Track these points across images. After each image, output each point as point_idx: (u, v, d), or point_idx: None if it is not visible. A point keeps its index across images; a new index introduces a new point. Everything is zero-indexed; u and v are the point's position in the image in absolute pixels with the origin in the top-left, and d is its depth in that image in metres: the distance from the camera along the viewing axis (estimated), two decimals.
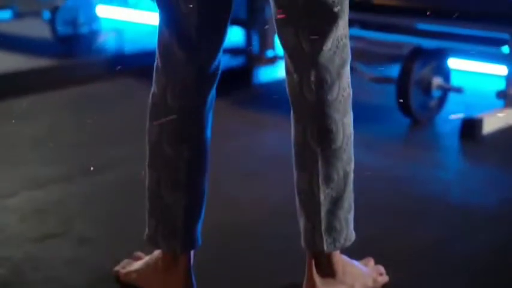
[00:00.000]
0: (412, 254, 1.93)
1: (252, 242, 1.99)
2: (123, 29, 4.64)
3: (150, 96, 1.62)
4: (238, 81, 3.63)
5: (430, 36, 3.37)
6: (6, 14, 5.02)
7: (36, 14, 4.66)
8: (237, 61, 3.81)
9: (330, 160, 1.55)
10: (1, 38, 4.29)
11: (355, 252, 1.68)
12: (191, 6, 1.52)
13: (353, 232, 1.63)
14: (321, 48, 1.51)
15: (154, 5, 1.58)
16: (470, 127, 2.84)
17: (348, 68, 1.57)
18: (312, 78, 1.52)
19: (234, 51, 3.84)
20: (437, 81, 3.04)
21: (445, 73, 3.09)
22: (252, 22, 3.83)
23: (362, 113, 3.00)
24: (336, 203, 1.58)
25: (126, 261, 1.78)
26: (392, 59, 3.82)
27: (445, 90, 3.09)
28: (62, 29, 4.24)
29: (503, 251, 1.97)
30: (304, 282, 1.62)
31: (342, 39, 1.53)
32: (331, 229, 1.58)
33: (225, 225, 2.07)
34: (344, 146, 1.56)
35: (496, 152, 2.76)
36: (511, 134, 2.92)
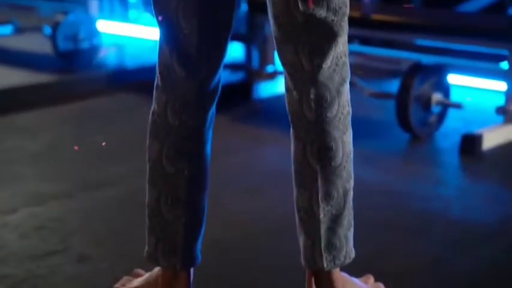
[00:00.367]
0: (412, 270, 1.93)
1: (252, 258, 1.99)
2: (124, 44, 4.66)
3: (150, 113, 1.63)
4: (238, 96, 3.63)
5: (430, 52, 3.39)
6: (7, 29, 5.04)
7: (37, 29, 4.67)
8: (237, 76, 3.82)
9: (329, 178, 1.55)
10: (2, 53, 4.30)
11: (355, 269, 1.68)
12: (192, 24, 1.53)
13: (353, 249, 1.62)
14: (321, 66, 1.51)
15: (155, 21, 1.59)
16: (470, 143, 2.84)
17: (347, 86, 1.57)
18: (312, 95, 1.53)
19: (234, 67, 3.85)
20: (437, 97, 3.05)
21: (445, 89, 3.10)
22: (252, 37, 3.85)
23: (362, 129, 3.02)
24: (335, 220, 1.58)
25: (126, 278, 1.77)
26: (391, 74, 3.83)
27: (445, 106, 3.09)
28: (62, 44, 4.25)
29: (504, 268, 1.97)
30: None
31: (341, 57, 1.54)
32: (330, 247, 1.58)
33: (225, 242, 2.07)
34: (344, 163, 1.56)
35: (496, 168, 2.76)
36: (511, 150, 2.92)
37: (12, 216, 2.25)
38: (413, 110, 3.00)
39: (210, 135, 1.64)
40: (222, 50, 1.60)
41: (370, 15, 3.32)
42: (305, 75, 1.52)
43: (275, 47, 1.55)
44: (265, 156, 2.92)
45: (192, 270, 1.65)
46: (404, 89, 3.01)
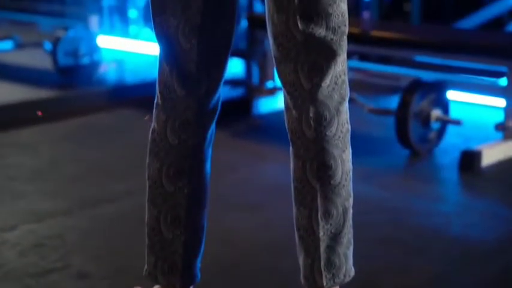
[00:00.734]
0: None
1: (252, 276, 1.99)
2: (124, 59, 4.67)
3: (150, 131, 1.63)
4: (238, 112, 3.64)
5: (429, 68, 3.40)
6: (7, 45, 5.06)
7: (38, 44, 4.69)
8: (236, 92, 3.83)
9: (329, 196, 1.56)
10: (2, 68, 4.31)
11: (355, 287, 1.67)
12: (192, 43, 1.53)
13: (352, 267, 1.62)
14: (320, 85, 1.52)
15: (155, 37, 1.59)
16: (469, 159, 2.85)
17: (346, 104, 1.57)
18: (311, 114, 1.53)
19: (233, 83, 3.86)
20: (436, 113, 3.05)
21: (444, 105, 3.11)
22: (251, 53, 3.86)
23: (361, 145, 3.03)
24: (335, 238, 1.58)
25: None
26: (390, 90, 3.84)
27: (444, 122, 3.10)
28: (63, 59, 4.27)
29: (504, 285, 1.97)
30: None
31: (340, 76, 1.55)
32: (330, 265, 1.58)
33: (224, 259, 2.07)
34: (343, 181, 1.57)
35: (495, 185, 2.76)
36: (510, 166, 2.92)
37: (12, 233, 2.25)
38: (412, 126, 3.01)
39: (209, 153, 1.64)
40: (222, 67, 1.60)
41: (370, 31, 3.33)
42: (304, 94, 1.53)
43: (274, 65, 1.56)
44: (265, 172, 2.92)
45: None
46: (404, 105, 3.01)
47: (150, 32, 4.78)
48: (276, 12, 1.50)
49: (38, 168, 2.88)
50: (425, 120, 3.04)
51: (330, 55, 1.51)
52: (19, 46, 5.07)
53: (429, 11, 4.70)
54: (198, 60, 1.55)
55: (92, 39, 4.39)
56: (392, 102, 3.33)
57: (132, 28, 4.98)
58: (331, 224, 1.57)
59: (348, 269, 1.61)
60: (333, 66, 1.52)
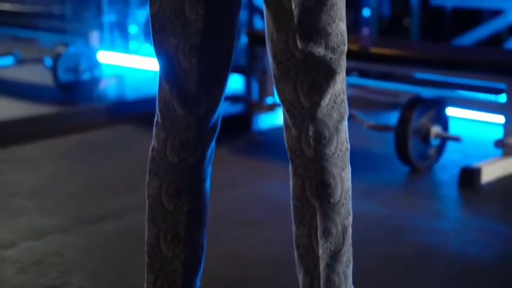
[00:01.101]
0: None
1: None
2: (124, 75, 4.68)
3: (150, 150, 1.63)
4: (238, 128, 3.65)
5: (428, 84, 3.41)
6: (8, 61, 5.07)
7: (38, 60, 4.70)
8: (236, 108, 3.84)
9: (328, 214, 1.56)
10: (3, 84, 4.32)
11: None
12: (192, 62, 1.54)
13: (352, 286, 1.62)
14: (319, 104, 1.52)
15: (155, 55, 1.60)
16: (468, 176, 2.85)
17: (345, 123, 1.58)
18: (310, 133, 1.53)
19: (233, 99, 3.87)
20: (435, 129, 3.06)
21: (444, 122, 3.11)
22: (251, 69, 3.87)
23: (361, 161, 3.03)
24: (334, 257, 1.58)
25: None
26: (390, 106, 3.85)
27: (444, 139, 3.10)
28: (63, 75, 4.28)
29: None
30: None
31: (339, 95, 1.55)
32: (330, 283, 1.58)
33: (224, 276, 2.07)
34: (342, 200, 1.57)
35: (495, 202, 2.76)
36: (509, 183, 2.92)
37: (11, 250, 2.25)
38: (412, 142, 3.01)
39: (209, 171, 1.65)
40: (222, 86, 1.61)
41: (369, 48, 3.34)
42: (304, 113, 1.53)
43: (274, 84, 1.57)
44: (265, 189, 2.92)
45: None
46: (403, 121, 3.02)
47: (150, 48, 4.80)
48: (275, 31, 1.51)
49: (37, 184, 2.88)
50: (425, 137, 3.05)
51: (329, 74, 1.52)
52: (19, 62, 5.08)
53: (428, 27, 4.73)
54: (198, 80, 1.56)
55: (92, 55, 4.40)
56: (392, 118, 3.33)
57: (133, 44, 5.00)
58: (330, 243, 1.57)
59: (348, 287, 1.61)
60: (332, 85, 1.53)
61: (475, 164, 2.89)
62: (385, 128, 3.25)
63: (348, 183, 1.58)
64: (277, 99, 3.77)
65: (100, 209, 2.61)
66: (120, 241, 2.35)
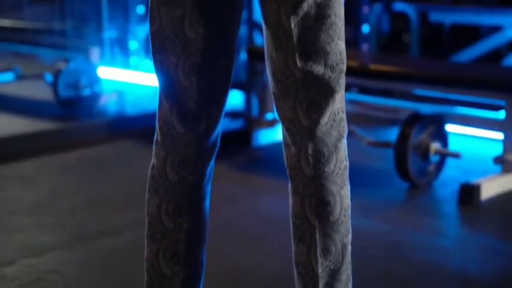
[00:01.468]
0: None
1: None
2: (125, 90, 4.69)
3: (150, 168, 1.63)
4: (238, 144, 3.65)
5: (427, 101, 3.42)
6: (8, 76, 5.09)
7: (38, 76, 4.71)
8: (236, 124, 3.85)
9: (327, 232, 1.56)
10: (3, 100, 4.33)
11: None
12: (191, 81, 1.55)
13: None
14: (318, 122, 1.53)
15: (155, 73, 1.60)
16: (468, 193, 2.85)
17: (344, 141, 1.58)
18: (310, 151, 1.54)
19: (233, 114, 3.88)
20: (435, 146, 3.06)
21: (443, 138, 3.12)
22: (251, 85, 3.88)
23: (360, 177, 3.04)
24: (333, 275, 1.58)
25: None
26: (389, 122, 3.85)
27: (443, 155, 3.10)
28: (63, 91, 4.29)
29: None
30: None
31: (338, 113, 1.56)
32: None
33: None
34: (342, 218, 1.57)
35: (494, 219, 2.76)
36: (509, 200, 2.92)
37: (10, 268, 2.25)
38: (411, 159, 3.01)
39: (209, 189, 1.65)
40: (221, 104, 1.61)
41: (368, 65, 3.35)
42: (303, 131, 1.53)
43: (273, 102, 1.57)
44: (265, 205, 2.92)
45: None
46: (403, 138, 3.02)
47: (150, 64, 4.80)
48: (274, 50, 1.52)
49: (37, 201, 2.88)
50: (425, 153, 3.05)
51: (328, 92, 1.53)
52: (20, 78, 5.10)
53: (427, 43, 4.75)
54: (198, 98, 1.56)
55: (92, 71, 4.41)
56: (392, 134, 3.34)
57: (133, 59, 5.02)
58: (330, 261, 1.56)
59: None
60: (331, 104, 1.53)
61: (475, 181, 2.89)
62: (384, 145, 3.25)
63: (347, 201, 1.58)
64: (277, 116, 3.78)
65: (99, 226, 2.61)
66: (119, 258, 2.35)
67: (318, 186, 1.54)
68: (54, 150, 3.54)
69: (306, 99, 1.52)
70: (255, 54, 3.72)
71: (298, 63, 1.49)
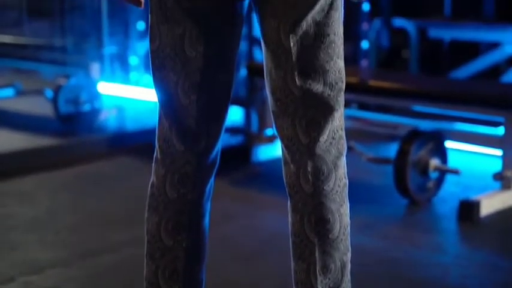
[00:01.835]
0: None
1: None
2: (125, 106, 4.70)
3: (149, 186, 1.64)
4: (237, 160, 3.65)
5: (426, 117, 3.42)
6: (9, 92, 5.10)
7: (39, 92, 4.72)
8: (236, 140, 3.85)
9: (327, 250, 1.56)
10: (3, 115, 4.34)
11: None
12: (191, 99, 1.55)
13: None
14: (318, 139, 1.53)
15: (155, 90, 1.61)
16: (468, 209, 2.85)
17: (343, 159, 1.59)
18: (309, 168, 1.54)
19: (233, 130, 3.89)
20: (434, 162, 3.06)
21: (443, 154, 3.12)
22: (251, 101, 3.89)
23: (360, 194, 3.04)
24: None
25: None
26: (389, 138, 3.86)
27: (443, 172, 3.11)
28: (64, 107, 4.30)
29: None
30: None
31: (337, 131, 1.56)
32: None
33: None
34: (341, 236, 1.57)
35: (494, 235, 2.76)
36: (508, 216, 2.92)
37: (9, 285, 2.24)
38: (411, 175, 3.01)
39: (208, 207, 1.65)
40: (221, 121, 1.62)
41: (368, 81, 3.36)
42: (302, 149, 1.54)
43: (272, 119, 1.58)
44: (264, 221, 2.92)
45: None
46: (402, 154, 3.03)
47: (150, 79, 4.81)
48: (274, 68, 1.53)
49: (37, 217, 2.88)
50: (424, 170, 3.05)
51: (328, 110, 1.53)
52: (20, 93, 5.11)
53: (427, 59, 4.76)
54: (198, 116, 1.57)
55: (92, 86, 4.43)
56: (391, 150, 3.34)
57: (133, 75, 5.04)
58: (329, 279, 1.57)
59: None
60: (330, 122, 1.54)
61: (474, 197, 2.90)
62: (383, 161, 3.25)
63: (347, 219, 1.59)
64: (276, 134, 3.78)
65: (99, 243, 2.60)
66: (119, 275, 2.34)
67: (317, 204, 1.55)
68: (54, 166, 3.54)
69: (305, 117, 1.53)
70: (255, 70, 3.73)
71: (298, 82, 1.50)
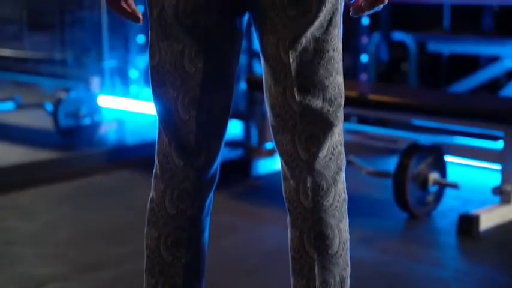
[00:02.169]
0: None
1: None
2: (125, 119, 4.70)
3: (149, 201, 1.64)
4: (237, 173, 3.65)
5: (426, 131, 3.43)
6: (8, 105, 5.10)
7: (39, 105, 4.73)
8: (235, 153, 3.85)
9: (326, 266, 1.56)
10: (3, 129, 4.34)
11: None
12: (191, 115, 1.55)
13: None
14: (317, 155, 1.54)
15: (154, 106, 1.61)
16: (467, 223, 2.85)
17: (343, 174, 1.59)
18: (308, 184, 1.54)
19: (232, 144, 3.89)
20: (434, 176, 3.07)
21: (442, 168, 3.12)
22: (250, 115, 3.90)
23: (359, 207, 3.04)
24: None
25: None
26: (388, 152, 3.86)
27: (442, 186, 3.11)
28: (63, 120, 4.30)
29: None
30: None
31: (337, 146, 1.57)
32: None
33: None
34: (340, 251, 1.57)
35: (494, 250, 2.76)
36: (508, 230, 2.92)
37: None
38: (410, 189, 3.02)
39: (207, 222, 1.65)
40: (221, 136, 1.62)
41: (367, 95, 3.37)
42: (301, 164, 1.54)
43: (272, 135, 1.58)
44: (264, 235, 2.92)
45: None
46: (402, 168, 3.03)
47: (150, 93, 4.82)
48: (273, 84, 1.53)
49: (36, 231, 2.88)
50: (423, 184, 3.05)
51: (327, 126, 1.54)
52: (20, 107, 5.12)
53: (426, 72, 4.78)
54: (197, 131, 1.57)
55: (92, 100, 4.43)
56: (390, 164, 3.34)
57: (133, 88, 5.04)
58: None
59: None
60: (329, 137, 1.54)
61: (474, 211, 2.90)
62: (383, 175, 3.26)
63: (346, 235, 1.59)
64: (275, 149, 3.78)
65: (99, 257, 2.60)
66: None
67: (316, 220, 1.55)
68: (53, 180, 3.54)
69: (304, 133, 1.53)
70: (255, 84, 3.74)
71: (297, 97, 1.51)
